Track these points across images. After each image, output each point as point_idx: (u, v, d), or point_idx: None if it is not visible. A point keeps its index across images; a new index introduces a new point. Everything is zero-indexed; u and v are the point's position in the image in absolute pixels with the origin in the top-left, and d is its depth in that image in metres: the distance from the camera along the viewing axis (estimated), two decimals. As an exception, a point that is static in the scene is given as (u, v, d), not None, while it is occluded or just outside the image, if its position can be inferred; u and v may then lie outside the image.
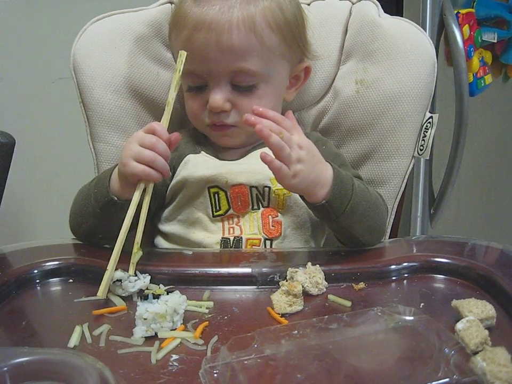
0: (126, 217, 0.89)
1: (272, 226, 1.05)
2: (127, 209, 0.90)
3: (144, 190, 0.91)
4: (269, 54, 1.01)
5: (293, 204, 1.06)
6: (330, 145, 1.13)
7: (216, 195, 1.05)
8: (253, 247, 1.04)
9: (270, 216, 1.06)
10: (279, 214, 1.06)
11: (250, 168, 1.06)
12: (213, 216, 1.05)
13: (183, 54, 0.95)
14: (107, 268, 0.85)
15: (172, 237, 1.09)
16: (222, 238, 1.04)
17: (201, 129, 1.11)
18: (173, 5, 1.17)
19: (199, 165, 1.07)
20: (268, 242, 1.04)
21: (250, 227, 1.05)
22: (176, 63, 1.01)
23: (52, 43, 1.84)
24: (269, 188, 1.05)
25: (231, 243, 1.03)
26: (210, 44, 0.97)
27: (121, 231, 0.88)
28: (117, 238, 0.88)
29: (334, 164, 0.99)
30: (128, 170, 0.90)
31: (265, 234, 1.04)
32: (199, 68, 1.00)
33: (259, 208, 1.06)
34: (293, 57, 1.07)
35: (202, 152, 1.10)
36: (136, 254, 0.88)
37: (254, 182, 1.05)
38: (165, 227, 1.09)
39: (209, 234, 1.05)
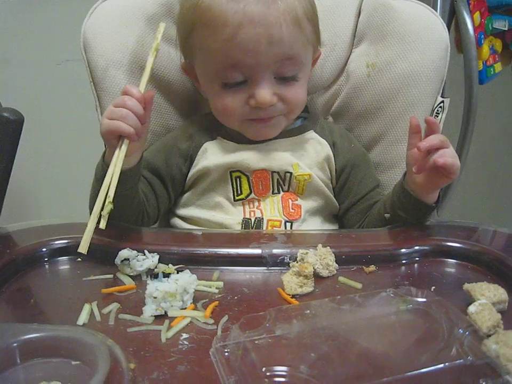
0: (106, 175, 0.88)
1: (292, 209, 1.07)
2: (128, 181, 0.93)
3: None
4: (307, 43, 1.02)
5: (312, 190, 1.09)
6: (356, 143, 1.15)
7: (238, 179, 1.06)
8: (274, 228, 1.05)
9: (289, 200, 1.08)
10: (299, 198, 1.08)
11: (273, 154, 1.06)
12: (234, 200, 1.06)
13: (161, 26, 0.96)
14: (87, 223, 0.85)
15: (191, 220, 1.09)
16: (243, 218, 1.05)
17: (234, 125, 1.07)
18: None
19: (218, 152, 1.07)
20: (288, 225, 1.06)
21: (271, 209, 1.06)
22: (185, 57, 1.05)
23: (58, 25, 1.84)
24: (291, 173, 1.07)
25: (252, 223, 1.05)
26: (260, 38, 0.95)
27: (101, 188, 0.87)
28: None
29: (363, 164, 1.09)
30: (102, 129, 0.91)
31: (286, 217, 1.06)
32: (245, 62, 0.98)
33: (279, 192, 1.08)
34: (315, 45, 1.08)
35: (218, 137, 1.09)
36: (107, 206, 0.86)
37: (276, 167, 1.06)
38: (183, 211, 1.10)
39: (230, 217, 1.06)
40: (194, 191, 1.09)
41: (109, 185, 0.88)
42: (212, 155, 1.07)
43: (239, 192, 1.06)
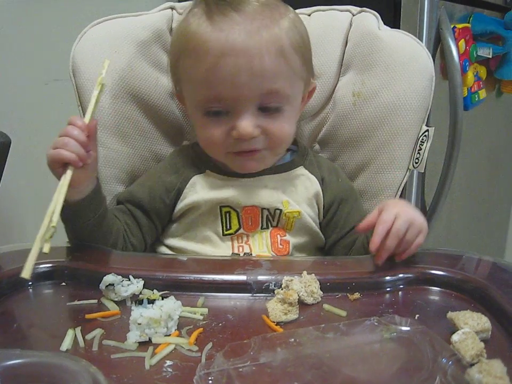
0: (51, 201, 0.87)
1: (281, 245, 1.06)
2: (85, 212, 0.95)
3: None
4: (293, 76, 1.00)
5: (301, 226, 1.08)
6: (343, 177, 1.15)
7: (227, 214, 1.06)
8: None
9: (278, 235, 1.07)
10: (287, 234, 1.08)
11: (263, 191, 1.06)
12: (223, 234, 1.06)
13: (106, 63, 0.95)
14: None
15: (178, 250, 1.09)
16: (232, 253, 1.05)
17: (219, 157, 1.06)
18: (173, 10, 1.17)
19: (208, 186, 1.07)
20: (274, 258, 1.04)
21: (259, 245, 1.06)
22: (174, 84, 1.04)
23: (47, 44, 1.84)
24: (281, 210, 1.06)
25: None
26: (241, 69, 0.93)
27: (46, 214, 0.85)
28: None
29: (350, 198, 1.09)
30: (47, 160, 0.91)
31: (274, 253, 1.06)
32: (226, 94, 0.96)
33: (268, 228, 1.07)
34: (307, 78, 1.06)
35: (207, 171, 1.08)
36: (49, 230, 0.83)
37: (266, 204, 1.06)
38: (170, 241, 1.10)
39: (218, 251, 1.05)
40: (183, 223, 1.08)
41: (53, 212, 0.86)
42: (202, 189, 1.06)
43: (228, 227, 1.06)
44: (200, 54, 0.95)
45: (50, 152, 0.90)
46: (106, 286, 0.84)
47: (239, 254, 1.05)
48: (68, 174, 0.89)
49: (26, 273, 0.80)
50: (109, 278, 0.84)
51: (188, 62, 0.99)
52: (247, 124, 0.96)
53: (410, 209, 0.92)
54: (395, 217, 0.89)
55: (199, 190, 1.06)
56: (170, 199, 1.07)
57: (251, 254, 1.04)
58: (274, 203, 1.06)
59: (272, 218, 1.07)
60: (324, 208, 1.10)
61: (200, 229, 1.07)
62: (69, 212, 0.94)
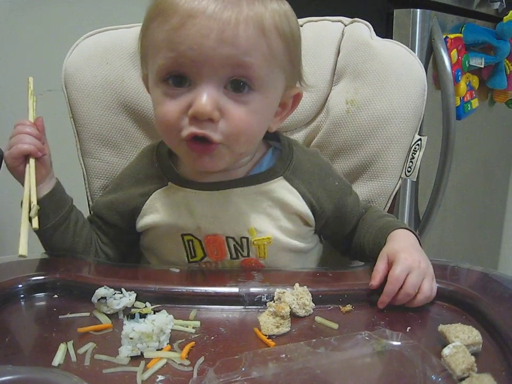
0: (24, 188, 0.92)
1: None
2: (49, 211, 0.96)
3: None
4: (273, 60, 0.86)
5: (276, 251, 1.00)
6: (334, 175, 1.06)
7: (190, 242, 0.99)
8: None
9: (253, 264, 1.00)
10: (262, 261, 1.00)
11: (227, 216, 0.96)
12: (189, 262, 1.01)
13: (30, 81, 1.02)
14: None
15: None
16: None
17: (174, 146, 0.93)
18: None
19: (168, 205, 0.98)
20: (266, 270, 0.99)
21: None
22: (142, 65, 0.95)
23: (41, 55, 1.84)
24: (247, 238, 0.97)
25: None
26: (211, 32, 0.80)
27: (23, 198, 0.91)
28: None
29: (346, 195, 1.04)
30: (6, 161, 0.94)
31: None
32: (190, 56, 0.82)
33: (238, 258, 0.99)
34: (290, 76, 0.93)
35: (170, 183, 0.98)
36: (33, 208, 0.90)
37: (230, 232, 0.97)
38: (147, 253, 1.08)
39: None
40: (151, 239, 1.04)
41: (30, 194, 0.91)
42: (162, 209, 0.98)
43: (192, 255, 1.00)
44: (167, 15, 0.83)
45: (7, 153, 0.93)
46: (99, 299, 0.84)
47: None
48: (32, 162, 0.93)
49: (22, 250, 0.83)
50: (101, 291, 0.84)
51: (153, 25, 0.86)
52: (206, 100, 0.82)
53: (420, 255, 0.90)
54: (408, 273, 0.86)
55: (160, 209, 0.98)
56: (129, 214, 1.01)
57: None
58: (239, 231, 0.96)
59: (241, 248, 0.98)
60: (324, 221, 1.03)
61: (164, 254, 1.03)
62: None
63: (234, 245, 0.98)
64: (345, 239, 1.09)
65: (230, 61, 0.82)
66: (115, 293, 0.85)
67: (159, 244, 1.03)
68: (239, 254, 0.99)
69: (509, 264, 2.74)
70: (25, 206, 0.90)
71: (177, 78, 0.85)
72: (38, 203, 0.91)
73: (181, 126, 0.85)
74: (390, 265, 0.89)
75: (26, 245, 0.84)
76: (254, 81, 0.85)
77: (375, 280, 0.87)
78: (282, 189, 0.98)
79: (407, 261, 0.87)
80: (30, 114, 0.99)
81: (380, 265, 0.89)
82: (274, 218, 0.98)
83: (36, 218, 0.89)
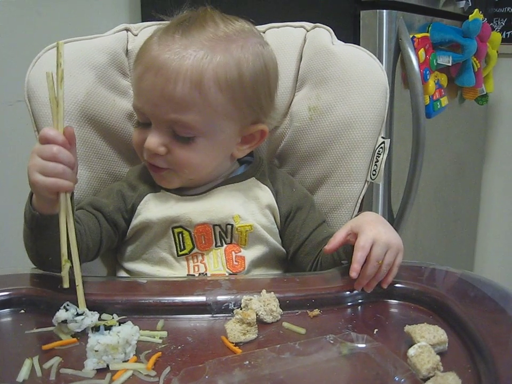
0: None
1: (236, 261, 1.06)
2: (55, 224, 0.86)
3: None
4: (212, 112, 0.98)
5: (255, 239, 1.07)
6: (298, 186, 1.15)
7: (180, 235, 1.05)
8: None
9: (233, 252, 1.07)
10: (242, 250, 1.07)
11: (213, 207, 1.05)
12: (178, 255, 1.05)
13: (60, 45, 0.87)
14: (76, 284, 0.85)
15: (137, 275, 1.07)
16: (187, 274, 1.04)
17: (144, 163, 1.09)
18: (128, 32, 1.17)
19: (160, 204, 1.06)
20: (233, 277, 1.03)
21: (214, 263, 1.05)
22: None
23: (10, 65, 1.82)
24: (232, 225, 1.06)
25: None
26: (156, 88, 0.96)
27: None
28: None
29: (305, 205, 1.10)
30: (39, 186, 0.83)
31: (229, 270, 1.05)
32: (144, 107, 1.00)
33: (222, 245, 1.07)
34: (243, 119, 1.04)
35: (162, 190, 1.08)
36: (65, 266, 0.84)
37: (217, 220, 1.05)
38: (130, 265, 1.09)
39: (174, 272, 1.05)
40: (139, 244, 1.08)
41: (65, 244, 0.85)
42: (155, 207, 1.06)
43: (182, 247, 1.05)
44: (138, 61, 1.02)
45: (41, 179, 0.83)
46: (59, 322, 0.81)
47: (194, 275, 1.04)
48: (63, 199, 0.85)
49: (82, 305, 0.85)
50: (61, 315, 0.81)
51: (134, 65, 1.09)
52: (152, 141, 1.00)
53: (385, 229, 0.92)
54: (373, 242, 0.88)
55: (152, 208, 1.06)
56: (128, 214, 1.07)
57: (206, 274, 1.04)
58: (225, 218, 1.05)
59: (225, 235, 1.06)
60: (280, 219, 1.10)
61: (156, 250, 1.06)
62: (43, 223, 0.89)
63: (219, 232, 1.06)
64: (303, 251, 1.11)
65: (168, 117, 0.97)
66: (77, 313, 0.82)
67: (151, 244, 1.07)
68: (223, 241, 1.07)
69: (485, 262, 2.76)
70: (74, 252, 0.85)
71: (142, 118, 1.03)
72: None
73: (143, 153, 1.04)
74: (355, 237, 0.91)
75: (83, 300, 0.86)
76: (195, 131, 0.99)
77: (331, 246, 0.93)
78: (255, 186, 1.10)
79: (370, 231, 0.90)
80: (59, 114, 0.85)
81: (338, 234, 0.94)
82: (252, 212, 1.08)
83: (66, 277, 0.85)
